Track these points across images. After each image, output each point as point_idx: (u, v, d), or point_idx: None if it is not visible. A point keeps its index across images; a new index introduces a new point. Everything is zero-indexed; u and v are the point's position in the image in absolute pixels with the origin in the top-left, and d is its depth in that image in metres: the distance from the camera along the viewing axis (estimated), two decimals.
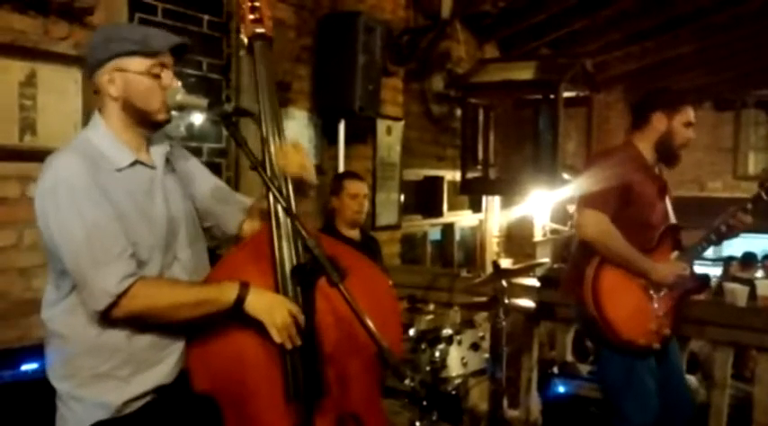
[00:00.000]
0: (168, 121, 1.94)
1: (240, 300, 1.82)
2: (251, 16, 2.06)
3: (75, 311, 1.82)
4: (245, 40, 2.07)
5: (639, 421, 2.88)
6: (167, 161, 1.98)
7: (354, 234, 3.69)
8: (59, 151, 1.85)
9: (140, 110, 1.86)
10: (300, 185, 2.03)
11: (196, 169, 2.15)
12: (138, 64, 1.83)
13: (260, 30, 2.05)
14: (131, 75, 1.83)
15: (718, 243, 3.08)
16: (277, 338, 1.82)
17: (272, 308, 1.83)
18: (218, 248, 3.26)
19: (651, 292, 2.89)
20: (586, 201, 2.86)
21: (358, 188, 3.65)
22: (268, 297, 1.87)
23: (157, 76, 1.85)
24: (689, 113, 2.96)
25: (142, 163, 1.90)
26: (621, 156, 2.98)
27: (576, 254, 3.02)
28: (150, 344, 1.87)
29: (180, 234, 1.97)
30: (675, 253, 3.00)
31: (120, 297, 1.73)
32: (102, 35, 1.88)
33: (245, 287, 1.84)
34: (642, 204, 2.89)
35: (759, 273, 7.82)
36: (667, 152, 2.99)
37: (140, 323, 1.83)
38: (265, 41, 2.07)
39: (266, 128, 1.99)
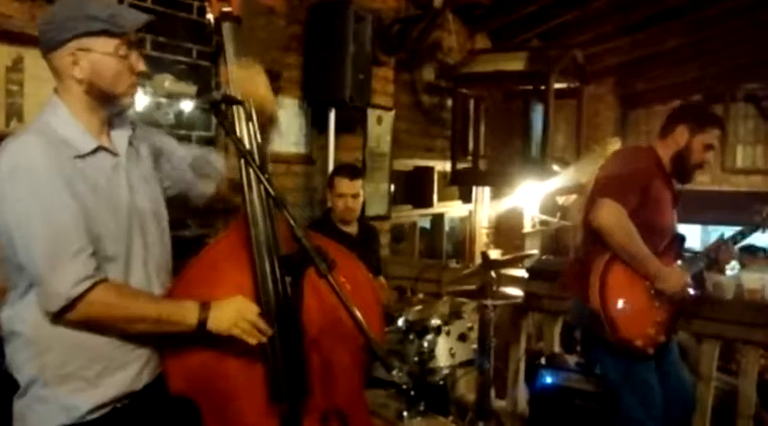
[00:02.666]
0: (132, 105, 1.87)
1: (202, 323, 1.75)
2: None
3: (36, 307, 1.70)
4: (212, 21, 1.97)
5: (642, 417, 2.89)
6: (130, 145, 1.89)
7: (350, 229, 3.64)
8: (17, 135, 1.74)
9: (106, 94, 1.77)
10: (263, 118, 1.96)
11: (163, 142, 2.07)
12: (104, 44, 1.72)
13: (227, 9, 1.96)
14: (98, 55, 1.72)
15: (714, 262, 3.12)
16: (253, 342, 1.79)
17: (236, 318, 1.77)
18: (207, 236, 3.26)
19: (654, 297, 2.89)
20: (607, 191, 2.80)
21: (345, 187, 3.56)
22: (228, 309, 1.79)
23: (125, 57, 1.76)
24: (712, 136, 2.93)
25: (105, 149, 1.80)
26: (646, 156, 2.96)
27: (583, 249, 3.00)
28: (118, 343, 1.78)
29: (147, 223, 1.88)
30: (678, 263, 3.00)
31: (75, 301, 1.63)
32: (63, 11, 1.73)
33: (205, 308, 1.76)
34: (655, 208, 2.88)
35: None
36: (681, 168, 2.97)
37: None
38: (234, 22, 1.97)
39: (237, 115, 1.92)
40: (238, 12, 1.99)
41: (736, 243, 3.06)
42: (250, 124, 1.93)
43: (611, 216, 2.75)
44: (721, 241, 3.07)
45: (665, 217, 2.95)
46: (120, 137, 1.87)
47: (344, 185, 3.57)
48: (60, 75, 1.77)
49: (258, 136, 1.94)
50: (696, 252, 3.12)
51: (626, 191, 2.78)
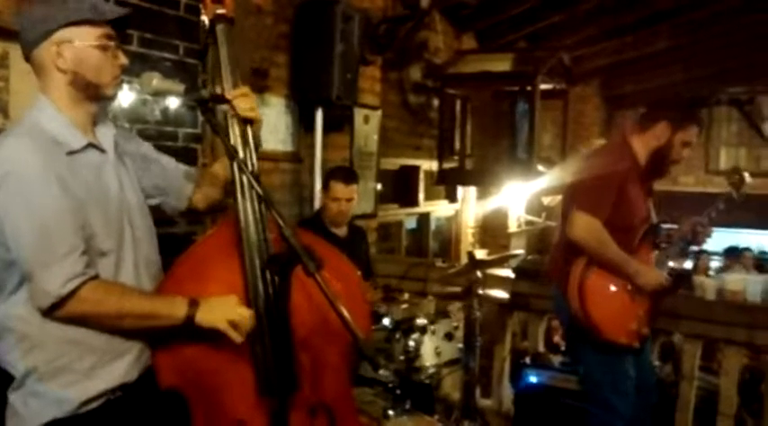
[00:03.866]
0: (115, 97, 1.89)
1: (190, 318, 1.77)
2: None
3: (27, 303, 1.72)
4: (207, 23, 1.99)
5: (624, 411, 2.93)
6: (116, 145, 1.91)
7: (340, 231, 3.66)
8: (7, 135, 1.76)
9: (91, 84, 1.79)
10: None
11: (146, 149, 2.09)
12: (87, 34, 1.75)
13: (221, 11, 1.97)
14: (81, 46, 1.75)
15: (691, 245, 3.15)
16: (238, 340, 1.79)
17: (224, 315, 1.78)
18: (195, 234, 3.25)
19: (633, 292, 2.92)
20: (581, 204, 2.84)
21: (341, 192, 3.58)
22: (216, 306, 1.80)
23: (106, 48, 1.78)
24: (691, 133, 2.95)
25: (94, 146, 1.83)
26: (618, 156, 2.96)
27: (564, 249, 3.02)
28: (111, 336, 1.79)
29: (135, 217, 1.90)
30: (656, 253, 3.03)
31: (65, 299, 1.66)
32: (44, 7, 1.76)
33: (193, 304, 1.78)
34: (628, 206, 2.90)
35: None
36: (658, 163, 2.98)
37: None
38: (227, 23, 1.98)
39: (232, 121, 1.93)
40: (231, 13, 2.00)
41: (711, 219, 3.08)
42: (236, 123, 1.93)
43: (584, 228, 2.81)
44: (696, 219, 3.09)
45: (638, 214, 2.97)
46: (105, 135, 1.89)
47: (339, 190, 3.58)
48: (45, 70, 1.78)
49: (247, 133, 1.95)
50: (672, 240, 3.13)
51: (599, 202, 2.82)
